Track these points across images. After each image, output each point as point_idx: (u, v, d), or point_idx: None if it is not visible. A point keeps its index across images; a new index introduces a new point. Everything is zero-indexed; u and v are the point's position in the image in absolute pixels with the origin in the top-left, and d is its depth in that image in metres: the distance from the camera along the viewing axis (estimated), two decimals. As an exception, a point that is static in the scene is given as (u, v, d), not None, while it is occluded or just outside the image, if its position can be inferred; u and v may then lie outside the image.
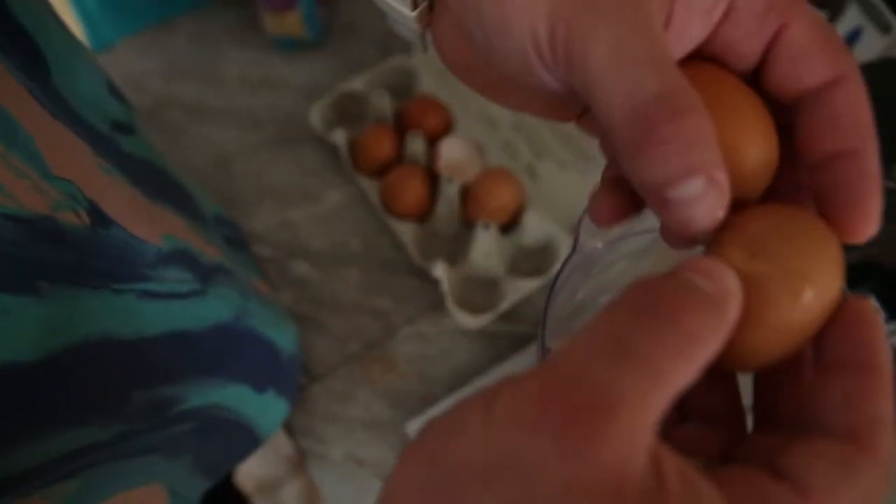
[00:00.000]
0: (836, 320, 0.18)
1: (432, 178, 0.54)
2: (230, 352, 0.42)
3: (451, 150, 0.54)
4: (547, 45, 0.19)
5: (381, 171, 0.55)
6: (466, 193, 0.53)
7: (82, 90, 0.33)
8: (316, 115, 0.58)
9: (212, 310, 0.40)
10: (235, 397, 0.43)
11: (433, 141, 0.55)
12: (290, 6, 0.59)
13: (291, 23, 0.61)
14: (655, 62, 0.17)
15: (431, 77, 0.59)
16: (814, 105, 0.19)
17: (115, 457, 0.31)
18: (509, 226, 0.53)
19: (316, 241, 0.57)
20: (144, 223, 0.34)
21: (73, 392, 0.27)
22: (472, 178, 0.53)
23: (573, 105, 0.23)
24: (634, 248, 0.33)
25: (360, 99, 0.58)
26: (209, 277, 0.41)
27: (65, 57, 0.32)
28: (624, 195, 0.21)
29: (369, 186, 0.55)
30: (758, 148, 0.19)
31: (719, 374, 0.20)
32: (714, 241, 0.18)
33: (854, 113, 0.19)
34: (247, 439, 0.46)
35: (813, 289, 0.17)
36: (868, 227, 0.19)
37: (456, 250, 0.54)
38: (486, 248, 0.50)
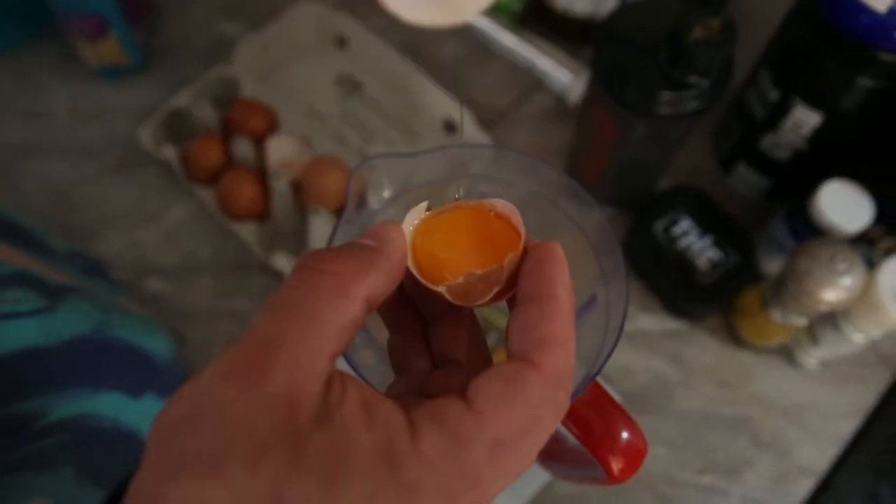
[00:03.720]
0: (525, 263, 0.21)
1: (263, 177, 0.56)
2: (94, 362, 0.43)
3: (279, 148, 0.56)
4: None
5: (215, 179, 0.57)
6: (298, 186, 0.55)
7: None
8: (146, 136, 0.59)
9: (65, 324, 0.42)
10: (108, 405, 0.44)
11: (261, 142, 0.58)
12: (102, 34, 0.60)
13: (109, 50, 0.62)
14: None
15: (252, 82, 0.61)
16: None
17: None
18: (343, 209, 0.56)
19: (166, 256, 0.58)
20: None
21: None
22: (302, 170, 0.56)
23: None
24: (407, 202, 0.36)
25: (186, 114, 0.60)
26: (58, 295, 0.42)
27: None
28: None
29: (206, 196, 0.57)
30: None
31: (461, 324, 0.24)
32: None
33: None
34: (131, 446, 0.47)
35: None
36: None
37: (298, 241, 0.56)
38: (320, 233, 0.53)
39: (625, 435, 0.30)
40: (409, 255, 0.22)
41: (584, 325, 0.32)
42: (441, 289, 0.22)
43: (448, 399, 0.19)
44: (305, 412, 0.17)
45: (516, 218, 0.23)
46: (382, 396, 0.19)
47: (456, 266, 0.22)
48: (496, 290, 0.22)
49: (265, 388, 0.17)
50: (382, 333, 0.33)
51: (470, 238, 0.23)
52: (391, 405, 0.18)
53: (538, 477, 0.51)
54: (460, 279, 0.21)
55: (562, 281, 0.20)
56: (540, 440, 0.19)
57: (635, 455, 0.31)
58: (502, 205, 0.23)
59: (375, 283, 0.20)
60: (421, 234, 0.23)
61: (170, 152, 0.57)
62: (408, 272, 0.23)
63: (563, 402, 0.19)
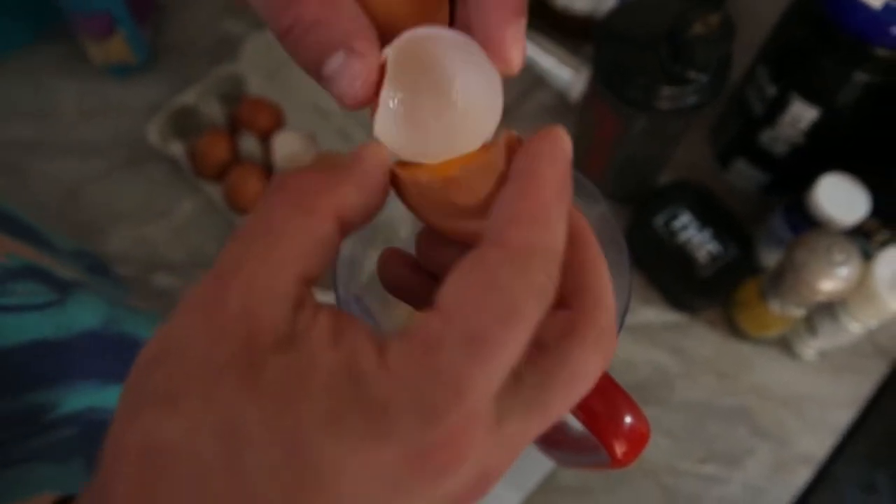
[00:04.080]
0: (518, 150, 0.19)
1: (270, 173, 0.57)
2: (104, 356, 0.44)
3: (285, 144, 0.57)
4: None
5: (222, 175, 0.58)
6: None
7: None
8: (154, 133, 0.60)
9: (74, 318, 0.42)
10: (117, 398, 0.44)
11: (267, 138, 0.58)
12: (109, 33, 0.61)
13: (116, 49, 0.63)
14: None
15: (259, 79, 0.62)
16: None
17: None
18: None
19: (174, 252, 0.59)
20: None
21: None
22: (307, 167, 0.57)
23: None
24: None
25: (193, 110, 0.61)
26: (67, 289, 0.43)
27: None
28: None
29: (214, 191, 0.58)
30: None
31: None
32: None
33: None
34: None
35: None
36: (511, 53, 0.19)
37: (305, 236, 0.57)
38: (327, 228, 0.54)
39: (628, 419, 0.31)
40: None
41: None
42: (427, 179, 0.20)
43: (416, 316, 0.18)
44: (266, 335, 0.16)
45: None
46: (360, 322, 0.17)
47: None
48: (485, 192, 0.19)
49: (223, 314, 0.16)
50: (388, 318, 0.34)
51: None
52: (364, 329, 0.16)
53: (541, 467, 0.52)
54: (444, 176, 0.19)
55: (549, 159, 0.18)
56: (524, 331, 0.16)
57: (638, 438, 0.32)
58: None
59: (346, 197, 0.18)
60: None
61: (177, 148, 0.58)
62: (418, 240, 0.22)
63: (544, 285, 0.16)
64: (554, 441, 0.42)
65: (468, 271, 0.16)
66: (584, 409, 0.32)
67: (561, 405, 0.17)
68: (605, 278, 0.19)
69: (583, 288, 0.18)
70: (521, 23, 0.19)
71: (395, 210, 0.37)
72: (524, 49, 0.19)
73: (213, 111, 0.59)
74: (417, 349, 0.15)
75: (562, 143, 0.18)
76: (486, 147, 0.20)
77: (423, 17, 0.20)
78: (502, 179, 0.19)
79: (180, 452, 0.15)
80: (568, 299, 0.18)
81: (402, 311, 0.33)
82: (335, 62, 0.18)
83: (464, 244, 0.19)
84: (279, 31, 0.19)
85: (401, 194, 0.20)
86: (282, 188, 0.17)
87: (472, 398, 0.15)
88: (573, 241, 0.19)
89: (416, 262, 0.23)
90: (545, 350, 0.17)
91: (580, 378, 0.17)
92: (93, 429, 0.42)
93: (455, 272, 0.16)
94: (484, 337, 0.15)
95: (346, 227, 0.18)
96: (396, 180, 0.20)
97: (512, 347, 0.16)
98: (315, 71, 0.19)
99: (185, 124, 0.61)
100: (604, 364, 0.18)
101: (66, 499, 0.20)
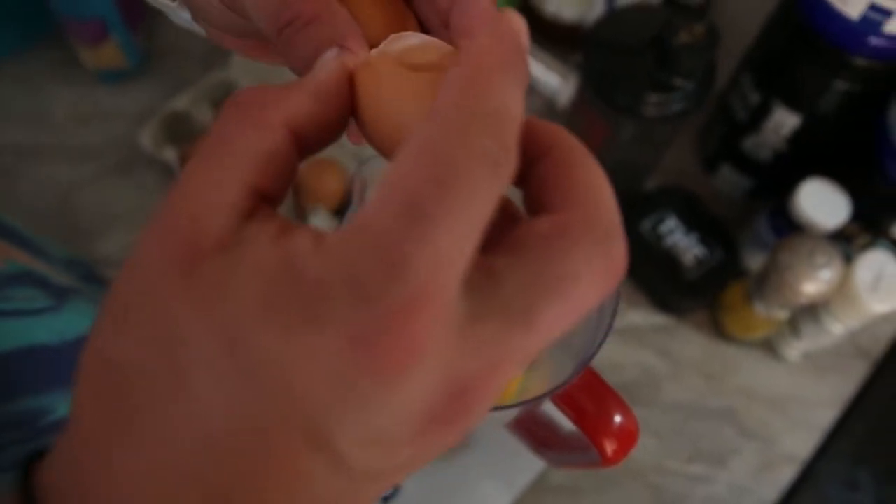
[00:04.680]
0: None
1: (264, 179, 0.58)
2: None
3: (277, 150, 0.58)
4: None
5: (215, 180, 0.58)
6: (296, 186, 0.57)
7: None
8: (147, 138, 0.60)
9: (69, 324, 0.43)
10: None
11: (260, 144, 0.59)
12: (102, 38, 0.61)
13: (109, 54, 0.63)
14: None
15: (250, 85, 0.63)
16: None
17: None
18: (341, 209, 0.58)
19: (167, 256, 0.59)
20: None
21: None
22: (300, 170, 0.57)
23: None
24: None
25: (185, 116, 0.61)
26: (63, 295, 0.43)
27: None
28: None
29: (207, 196, 0.58)
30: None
31: None
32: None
33: None
34: None
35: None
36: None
37: (298, 241, 0.57)
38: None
39: (618, 418, 0.32)
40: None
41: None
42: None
43: None
44: (207, 240, 0.15)
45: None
46: (311, 227, 0.15)
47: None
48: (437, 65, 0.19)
49: (169, 224, 0.15)
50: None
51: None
52: (310, 228, 0.15)
53: (532, 467, 0.52)
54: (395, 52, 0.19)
55: (490, 32, 0.16)
56: (472, 202, 0.14)
57: (628, 437, 0.33)
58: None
59: (297, 106, 0.17)
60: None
61: (170, 154, 0.59)
62: None
63: (490, 149, 0.14)
64: (544, 440, 0.43)
65: (404, 148, 0.15)
66: (574, 408, 0.32)
67: (552, 315, 0.15)
68: (600, 177, 0.17)
69: (573, 189, 0.16)
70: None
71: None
72: None
73: (206, 117, 0.60)
74: (353, 229, 0.14)
75: (508, 21, 0.16)
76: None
77: (398, 25, 0.21)
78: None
79: (127, 364, 0.15)
80: (557, 205, 0.16)
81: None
82: (328, 58, 0.18)
83: None
84: (276, 27, 0.19)
85: (358, 95, 0.19)
86: (233, 104, 0.17)
87: (413, 276, 0.13)
88: (553, 145, 0.18)
89: None
90: (529, 249, 0.15)
91: (574, 281, 0.15)
92: None
93: (396, 153, 0.15)
94: (420, 204, 0.13)
95: (301, 140, 0.17)
96: (358, 81, 0.19)
97: (458, 218, 0.14)
98: (305, 67, 0.19)
99: (177, 130, 0.61)
100: (608, 270, 0.15)
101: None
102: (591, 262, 0.15)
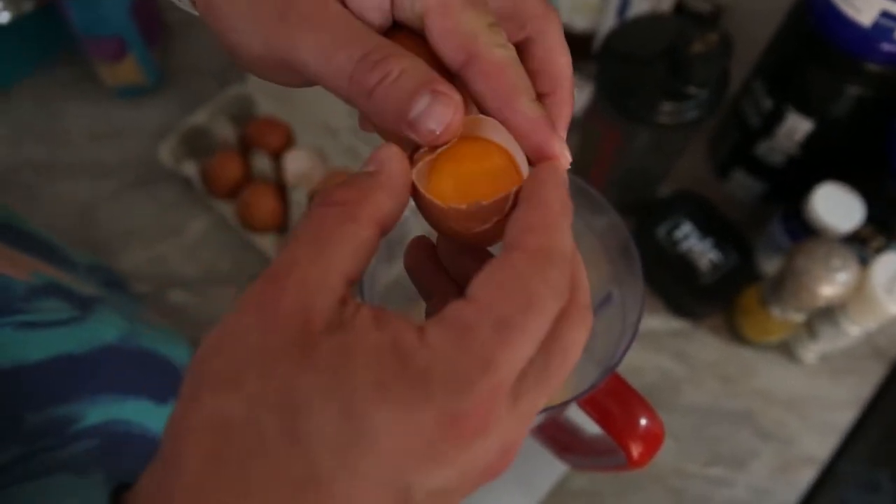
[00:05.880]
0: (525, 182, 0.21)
1: (282, 190, 0.59)
2: (123, 370, 0.45)
3: (295, 162, 0.59)
4: (269, 64, 0.24)
5: (234, 193, 0.59)
6: (314, 197, 0.58)
7: None
8: (165, 153, 0.61)
9: (94, 333, 0.43)
10: (136, 411, 0.45)
11: (278, 157, 0.60)
12: (121, 55, 0.62)
13: (127, 71, 0.64)
14: (351, 39, 0.21)
15: (268, 99, 0.64)
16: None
17: (21, 478, 0.33)
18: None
19: (187, 269, 0.60)
20: (8, 264, 0.37)
21: None
22: (317, 183, 0.58)
23: None
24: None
25: (204, 131, 0.62)
26: (88, 305, 0.44)
27: None
28: None
29: (226, 209, 0.59)
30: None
31: (484, 254, 0.24)
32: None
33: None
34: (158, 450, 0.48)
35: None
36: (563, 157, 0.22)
37: (316, 252, 0.58)
38: (339, 244, 0.55)
39: (643, 421, 0.33)
40: (422, 183, 0.22)
41: (600, 323, 0.34)
42: (447, 205, 0.21)
43: (449, 305, 0.19)
44: (318, 323, 0.18)
45: (520, 155, 0.22)
46: (398, 313, 0.19)
47: (462, 195, 0.22)
48: (496, 219, 0.22)
49: (278, 310, 0.18)
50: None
51: (474, 169, 0.23)
52: (403, 316, 0.19)
53: (553, 471, 0.53)
54: (464, 206, 0.21)
55: (553, 185, 0.20)
56: (544, 320, 0.19)
57: (653, 440, 0.33)
58: (503, 136, 0.23)
59: (380, 203, 0.20)
60: (430, 167, 0.23)
61: (190, 168, 0.59)
62: (438, 240, 0.24)
63: (558, 283, 0.19)
64: (567, 445, 0.44)
65: (496, 269, 0.19)
66: (600, 412, 0.33)
67: (559, 378, 0.20)
68: (580, 267, 0.21)
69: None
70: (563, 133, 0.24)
71: (407, 228, 0.39)
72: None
73: (225, 131, 0.61)
74: (454, 331, 0.18)
75: (561, 170, 0.21)
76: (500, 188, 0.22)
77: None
78: (510, 208, 0.21)
79: (244, 424, 0.17)
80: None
81: (414, 317, 0.34)
82: (421, 105, 0.20)
83: (472, 247, 0.24)
84: (364, 93, 0.20)
85: (419, 204, 0.22)
86: (326, 202, 0.20)
87: (498, 374, 0.17)
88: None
89: (436, 253, 0.26)
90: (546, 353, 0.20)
91: (572, 352, 0.20)
92: (112, 441, 0.43)
93: (484, 271, 0.19)
94: (512, 323, 0.18)
95: (384, 228, 0.20)
96: (416, 192, 0.22)
97: (533, 334, 0.18)
98: (397, 120, 0.20)
99: (196, 144, 0.62)
100: (586, 336, 0.20)
101: (119, 487, 0.21)
102: (580, 335, 0.20)
